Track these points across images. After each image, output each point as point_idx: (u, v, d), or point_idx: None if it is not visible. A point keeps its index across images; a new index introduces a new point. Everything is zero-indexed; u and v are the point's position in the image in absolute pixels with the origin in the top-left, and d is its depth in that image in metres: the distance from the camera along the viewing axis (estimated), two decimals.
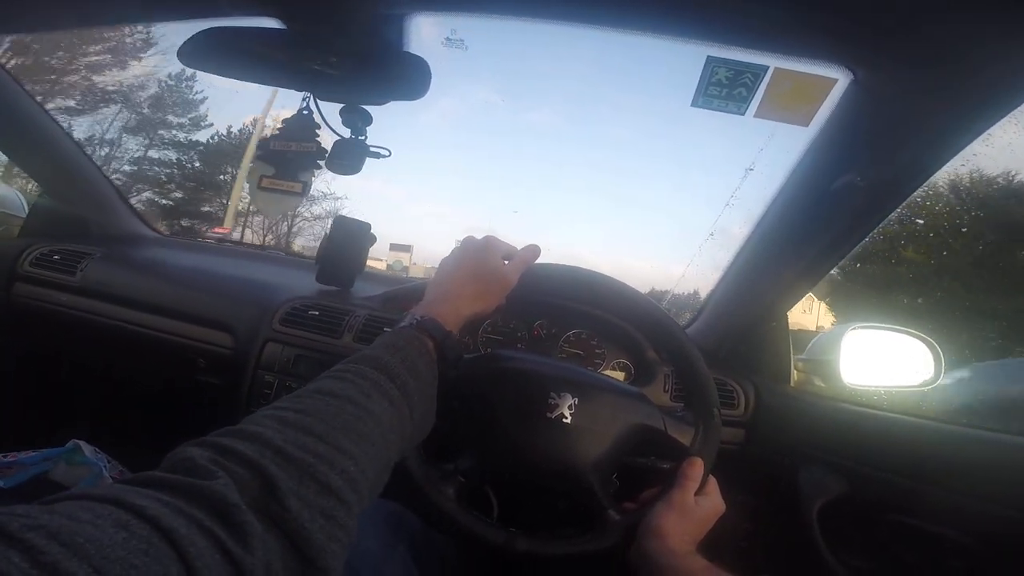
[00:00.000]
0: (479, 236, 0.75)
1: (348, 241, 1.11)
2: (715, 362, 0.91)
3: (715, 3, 0.54)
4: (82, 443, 1.10)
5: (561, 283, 0.82)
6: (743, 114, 0.64)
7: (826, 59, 0.59)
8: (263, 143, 0.78)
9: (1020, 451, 0.76)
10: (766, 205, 0.89)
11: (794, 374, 1.07)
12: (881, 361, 0.99)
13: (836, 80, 0.62)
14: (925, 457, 0.81)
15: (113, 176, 1.36)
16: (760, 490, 1.01)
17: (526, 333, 1.05)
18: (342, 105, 0.75)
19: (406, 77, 0.69)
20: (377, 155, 0.79)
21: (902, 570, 0.80)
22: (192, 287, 1.14)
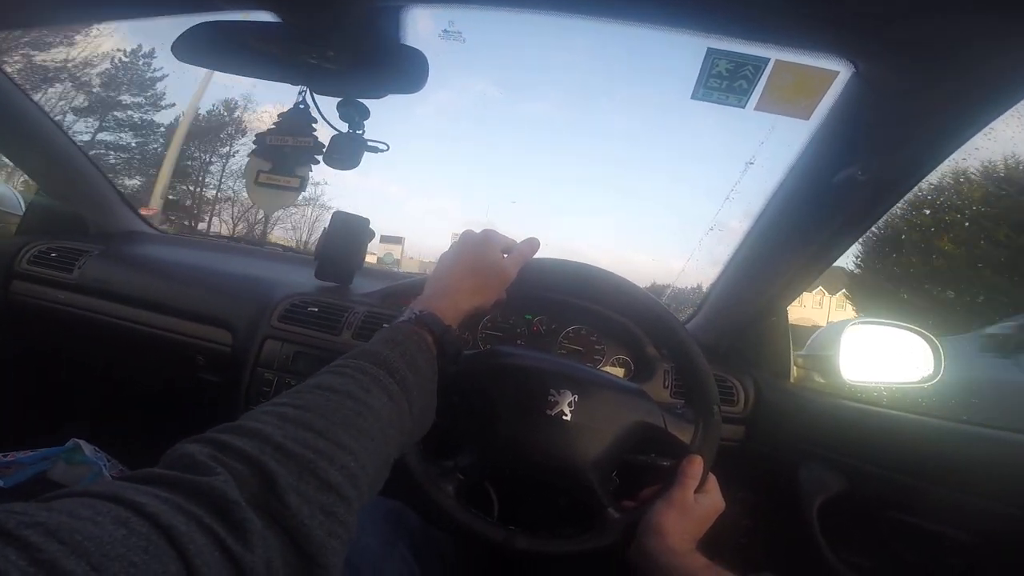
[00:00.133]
0: (477, 230, 0.74)
1: (347, 237, 1.11)
2: (715, 358, 0.91)
3: None
4: (81, 442, 1.10)
5: (560, 278, 0.82)
6: (743, 107, 0.64)
7: (827, 51, 0.59)
8: (259, 138, 0.78)
9: (1021, 448, 0.75)
10: (766, 199, 0.89)
11: (794, 370, 1.07)
12: (881, 357, 0.98)
13: (837, 73, 0.61)
14: (925, 454, 0.80)
15: None
16: (760, 487, 1.01)
17: (525, 329, 1.04)
18: (339, 99, 0.75)
19: (403, 70, 0.68)
20: (375, 149, 0.79)
21: (902, 568, 0.80)
22: (191, 284, 1.13)
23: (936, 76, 0.57)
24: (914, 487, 0.78)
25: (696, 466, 0.71)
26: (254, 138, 0.78)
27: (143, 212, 1.43)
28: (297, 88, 0.75)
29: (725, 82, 0.62)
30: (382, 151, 0.79)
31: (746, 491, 1.01)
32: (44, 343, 1.30)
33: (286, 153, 0.77)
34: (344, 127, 0.77)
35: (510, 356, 0.77)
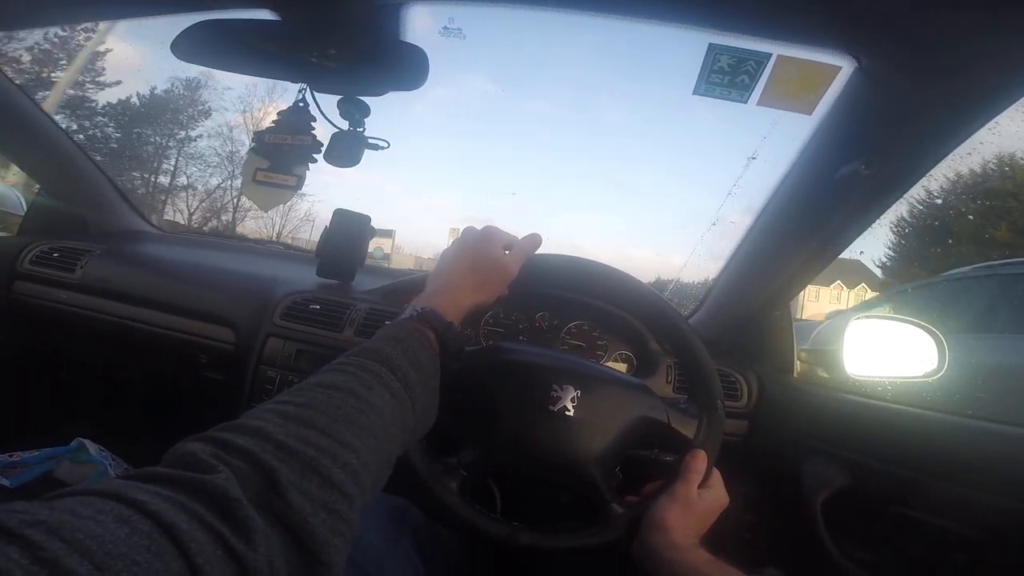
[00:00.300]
0: (477, 226, 0.74)
1: (348, 234, 1.11)
2: (718, 353, 0.91)
3: None
4: (86, 441, 1.10)
5: (562, 274, 0.82)
6: (745, 102, 0.64)
7: (830, 46, 0.59)
8: (258, 136, 0.78)
9: None
10: (769, 194, 0.88)
11: (797, 365, 1.06)
12: (885, 351, 0.98)
13: (840, 68, 0.61)
14: (930, 449, 0.80)
15: None
16: (763, 482, 1.01)
17: (528, 325, 1.04)
18: (339, 97, 0.75)
19: (404, 67, 0.68)
20: (376, 147, 0.78)
21: (906, 563, 0.80)
22: (193, 282, 1.13)
23: (939, 70, 0.57)
24: (918, 482, 0.78)
25: (700, 461, 0.71)
26: (253, 136, 0.78)
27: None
28: (297, 86, 0.75)
29: (727, 77, 0.62)
30: (383, 148, 0.79)
31: (749, 486, 1.01)
32: (47, 343, 1.30)
33: (284, 151, 0.77)
34: (344, 125, 0.77)
35: (512, 352, 0.77)
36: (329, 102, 0.76)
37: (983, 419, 0.80)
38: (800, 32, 0.58)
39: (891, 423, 0.87)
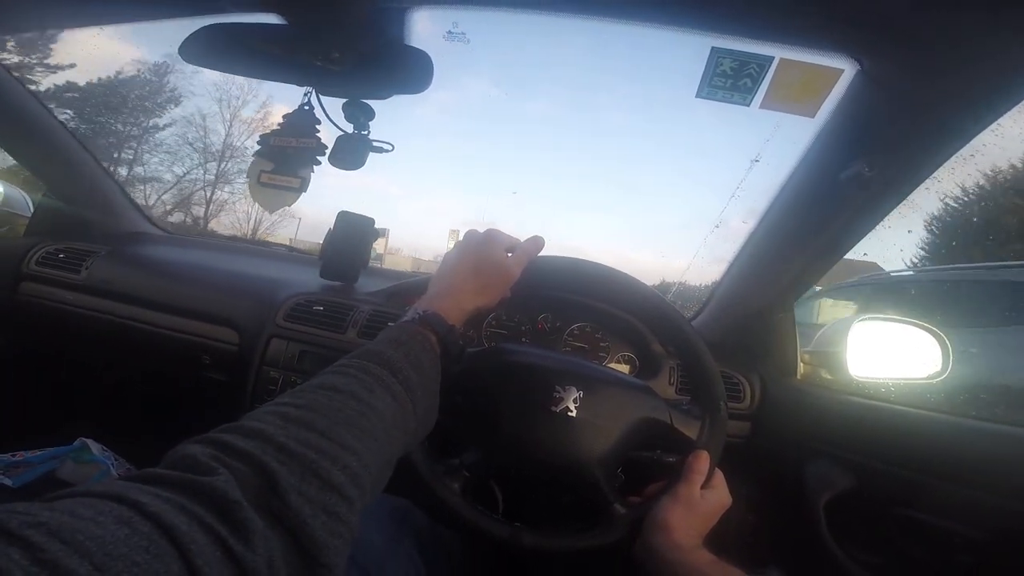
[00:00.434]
0: (478, 229, 0.75)
1: (351, 236, 1.11)
2: (721, 355, 0.90)
3: None
4: (89, 441, 1.11)
5: (565, 276, 0.82)
6: (748, 105, 0.64)
7: (832, 49, 0.59)
8: (264, 139, 0.78)
9: None
10: (772, 196, 0.88)
11: (800, 366, 1.06)
12: (888, 353, 0.98)
13: (842, 71, 0.61)
14: (933, 450, 0.80)
15: None
16: (766, 484, 1.01)
17: (530, 327, 1.04)
18: (344, 100, 0.75)
19: (408, 71, 0.68)
20: (380, 149, 0.79)
21: (910, 564, 0.80)
22: (197, 284, 1.14)
23: (941, 72, 0.57)
24: (922, 483, 0.78)
25: (702, 462, 0.71)
26: (258, 138, 0.79)
27: None
28: (302, 89, 0.75)
29: (730, 81, 0.62)
30: (387, 151, 0.79)
31: (752, 487, 1.01)
32: (52, 343, 1.31)
33: (289, 154, 0.77)
34: (349, 128, 0.77)
35: (515, 353, 0.77)
36: (334, 105, 0.76)
37: (988, 420, 0.80)
38: (802, 35, 0.58)
39: (895, 425, 0.87)
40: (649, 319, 0.95)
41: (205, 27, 0.68)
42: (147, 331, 1.11)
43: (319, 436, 0.40)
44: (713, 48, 0.60)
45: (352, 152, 0.77)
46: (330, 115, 0.76)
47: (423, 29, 0.66)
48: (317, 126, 0.77)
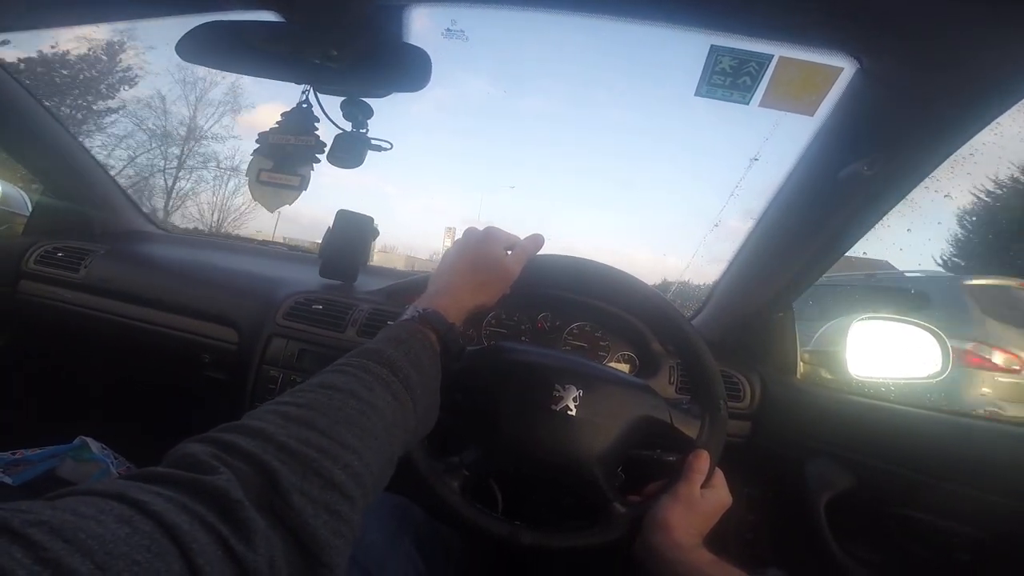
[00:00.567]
0: (477, 227, 0.74)
1: (351, 235, 1.11)
2: (721, 354, 0.90)
3: None
4: (89, 439, 1.11)
5: (565, 274, 0.82)
6: (747, 104, 0.64)
7: (831, 47, 0.59)
8: (262, 137, 0.78)
9: None
10: (772, 195, 0.88)
11: (800, 366, 1.06)
12: (888, 353, 0.98)
13: (842, 69, 0.61)
14: (933, 450, 0.80)
15: None
16: (766, 483, 1.01)
17: (530, 325, 1.04)
18: (343, 98, 0.75)
19: (406, 68, 0.68)
20: (379, 148, 0.79)
21: (910, 563, 0.80)
22: (196, 283, 1.14)
23: (940, 70, 0.57)
24: (922, 483, 0.78)
25: (702, 461, 0.71)
26: (257, 137, 0.78)
27: None
28: (299, 87, 0.75)
29: (729, 79, 0.62)
30: (386, 150, 0.79)
31: (752, 486, 1.01)
32: (52, 342, 1.31)
33: (288, 152, 0.77)
34: (348, 126, 0.77)
35: (514, 352, 0.77)
36: (332, 103, 0.76)
37: (987, 420, 0.80)
38: (802, 33, 0.58)
39: (895, 424, 0.87)
40: (649, 318, 0.94)
41: (202, 25, 0.67)
42: (146, 330, 1.11)
43: (320, 435, 0.40)
44: (712, 46, 0.60)
45: (351, 150, 0.77)
46: (328, 113, 0.76)
47: (421, 26, 0.66)
48: (316, 124, 0.76)
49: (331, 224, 1.12)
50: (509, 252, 0.73)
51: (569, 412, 0.70)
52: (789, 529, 0.97)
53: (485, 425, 0.72)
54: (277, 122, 0.77)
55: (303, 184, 0.78)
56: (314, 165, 0.78)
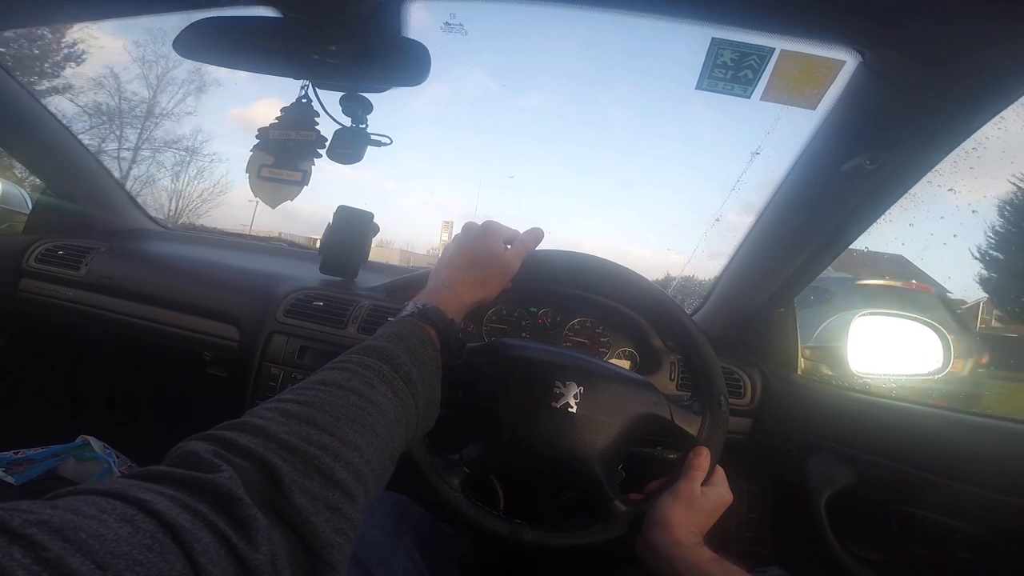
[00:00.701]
0: (475, 221, 0.74)
1: (351, 231, 1.11)
2: (722, 350, 0.90)
3: None
4: (91, 438, 1.11)
5: (565, 270, 0.81)
6: (749, 97, 0.63)
7: (833, 40, 0.58)
8: (262, 132, 0.77)
9: None
10: (773, 189, 0.88)
11: (801, 362, 1.06)
12: (890, 349, 0.98)
13: (844, 62, 0.61)
14: (935, 447, 0.80)
15: None
16: (767, 480, 1.01)
17: (530, 321, 1.04)
18: (342, 93, 0.75)
19: (405, 63, 0.68)
20: (378, 143, 0.78)
21: (911, 561, 0.79)
22: (197, 280, 1.14)
23: (944, 64, 0.57)
24: (923, 480, 0.78)
25: (703, 458, 0.71)
26: (257, 132, 0.78)
27: None
28: (300, 82, 0.75)
29: (730, 72, 0.61)
30: (385, 145, 0.78)
31: (753, 484, 1.01)
32: (53, 340, 1.31)
33: (289, 147, 0.77)
34: (347, 121, 0.77)
35: (515, 348, 0.76)
36: (331, 99, 0.75)
37: (988, 416, 0.80)
38: (803, 26, 0.57)
39: (896, 420, 0.86)
40: (650, 313, 0.94)
41: (200, 21, 0.67)
42: (147, 327, 1.11)
43: (321, 432, 0.40)
44: (713, 39, 0.59)
45: (351, 146, 0.77)
46: (327, 109, 0.76)
47: (420, 20, 0.66)
48: (316, 118, 0.76)
49: (331, 220, 1.11)
50: (508, 246, 0.73)
51: (570, 409, 0.70)
52: (790, 526, 0.97)
53: (486, 422, 0.72)
54: (277, 117, 0.77)
55: (304, 179, 0.78)
56: (315, 160, 0.78)
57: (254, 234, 1.74)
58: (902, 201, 0.77)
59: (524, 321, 1.04)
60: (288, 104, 0.76)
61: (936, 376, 0.95)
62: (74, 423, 1.20)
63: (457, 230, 0.75)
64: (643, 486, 0.75)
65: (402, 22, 0.65)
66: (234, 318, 1.06)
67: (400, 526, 0.68)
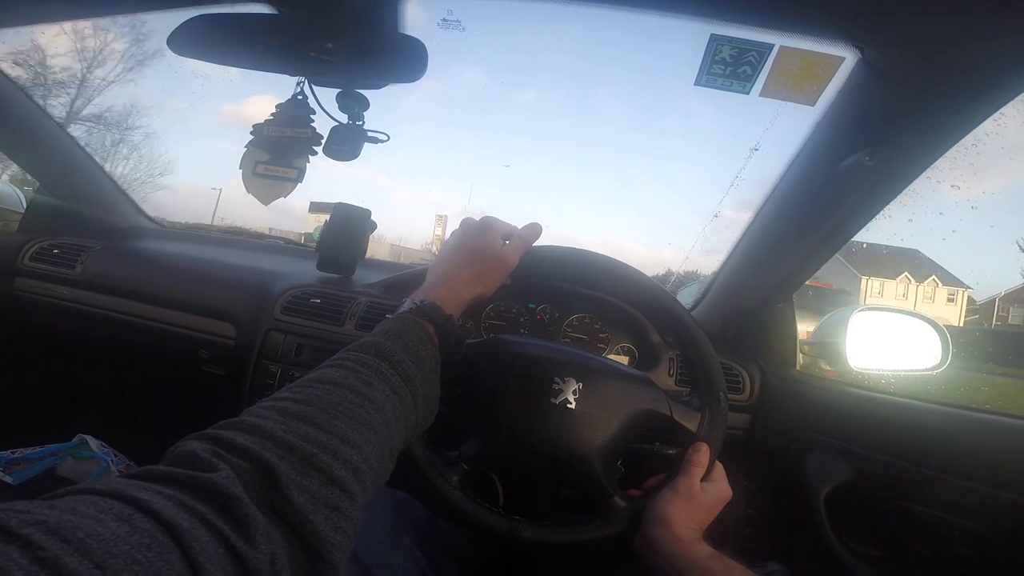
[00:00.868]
0: (472, 217, 0.74)
1: (348, 228, 1.11)
2: (721, 346, 0.90)
3: None
4: (88, 437, 1.10)
5: (563, 265, 0.81)
6: (747, 93, 0.63)
7: (832, 37, 0.58)
8: (257, 128, 0.77)
9: None
10: (772, 186, 0.88)
11: (800, 357, 1.06)
12: (888, 344, 0.98)
13: (843, 59, 0.60)
14: (934, 442, 0.80)
15: None
16: (766, 476, 1.01)
17: (529, 317, 1.04)
18: (338, 90, 0.74)
19: (402, 60, 0.68)
20: (375, 140, 0.78)
21: (910, 557, 0.80)
22: (193, 278, 1.13)
23: (943, 61, 0.56)
24: (922, 476, 0.78)
25: (702, 454, 0.71)
26: (251, 129, 0.78)
27: None
28: (293, 79, 0.74)
29: (729, 68, 0.61)
30: (382, 142, 0.78)
31: (752, 480, 1.01)
32: (49, 339, 1.30)
33: (284, 144, 0.76)
34: (344, 118, 0.76)
35: (514, 344, 0.76)
36: (327, 95, 0.75)
37: (987, 412, 0.80)
38: (803, 23, 0.57)
39: (895, 416, 0.86)
40: (648, 309, 0.94)
41: (195, 18, 0.67)
42: (144, 325, 1.10)
43: (319, 430, 0.40)
44: (712, 35, 0.59)
45: (347, 143, 0.77)
46: (324, 105, 0.75)
47: (417, 17, 0.66)
48: (312, 116, 0.76)
49: (328, 217, 1.11)
50: (507, 242, 0.73)
51: (569, 405, 0.69)
52: (789, 522, 0.97)
53: (484, 418, 0.72)
54: (272, 114, 0.77)
55: (300, 176, 0.77)
56: (310, 157, 0.77)
57: (246, 229, 1.72)
58: (901, 197, 0.77)
59: (523, 317, 1.04)
60: (283, 101, 0.76)
61: (935, 372, 0.95)
62: (71, 422, 1.19)
63: (452, 225, 0.75)
64: (642, 482, 0.75)
65: (399, 18, 0.65)
66: (231, 316, 1.05)
67: (400, 523, 0.68)
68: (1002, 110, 0.60)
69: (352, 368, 0.48)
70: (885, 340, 0.98)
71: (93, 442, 1.10)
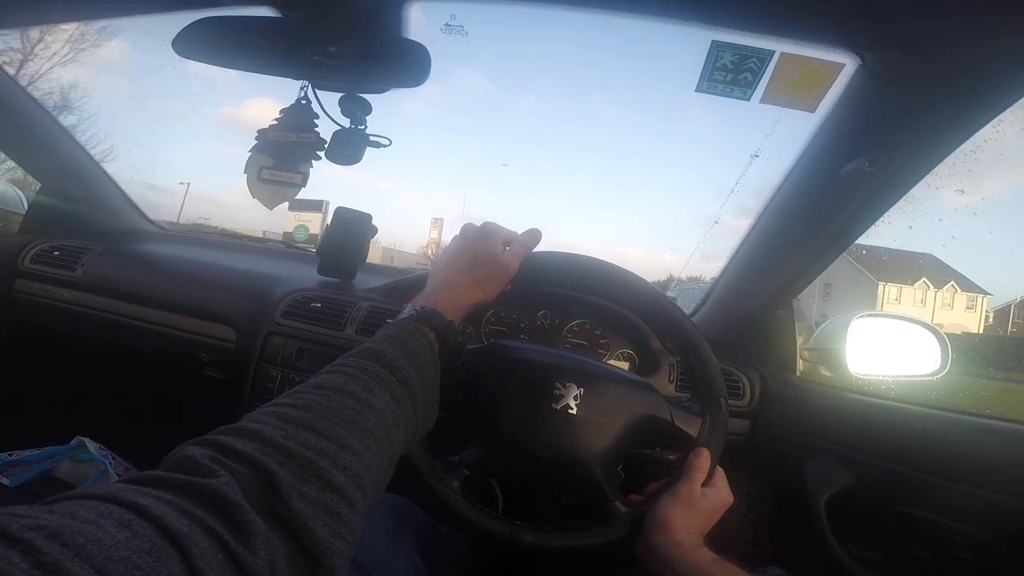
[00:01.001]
0: (472, 223, 0.74)
1: (349, 233, 1.11)
2: (721, 351, 0.90)
3: None
4: (86, 440, 1.10)
5: (564, 271, 0.81)
6: (748, 100, 0.63)
7: (833, 43, 0.58)
8: (262, 133, 0.77)
9: None
10: (772, 192, 0.88)
11: (800, 363, 1.06)
12: (888, 350, 0.98)
13: (843, 65, 0.61)
14: (934, 448, 0.80)
15: None
16: (767, 481, 1.01)
17: (529, 323, 1.04)
18: (341, 95, 0.74)
19: (405, 64, 0.68)
20: (377, 144, 0.78)
21: (911, 562, 0.79)
22: (193, 281, 1.13)
23: (943, 67, 0.57)
24: (923, 481, 0.78)
25: (703, 459, 0.71)
26: (256, 134, 0.78)
27: None
28: (299, 84, 0.75)
29: (730, 75, 0.61)
30: (384, 146, 0.78)
31: (753, 485, 1.01)
32: (48, 341, 1.30)
33: (288, 149, 0.77)
34: (346, 122, 0.77)
35: (514, 350, 0.76)
36: (329, 100, 0.75)
37: (988, 417, 0.80)
38: (803, 29, 0.57)
39: (895, 422, 0.86)
40: (649, 315, 0.94)
41: (199, 21, 0.67)
42: (144, 329, 1.10)
43: (319, 436, 0.40)
44: (713, 41, 0.59)
45: (350, 147, 0.77)
46: (327, 110, 0.76)
47: (420, 21, 0.66)
48: (315, 120, 0.76)
49: (329, 222, 1.11)
50: (507, 248, 0.73)
51: (570, 411, 0.69)
52: (790, 527, 0.97)
53: (485, 424, 0.72)
54: (276, 119, 0.77)
55: (304, 181, 0.78)
56: (313, 162, 0.78)
57: (245, 233, 1.72)
58: (900, 203, 0.77)
59: (523, 323, 1.04)
60: (282, 104, 0.76)
61: (935, 377, 0.95)
62: (70, 424, 1.18)
63: (451, 228, 0.75)
64: (643, 487, 0.75)
65: (402, 23, 0.65)
66: (231, 319, 1.05)
67: (401, 528, 0.68)
68: (1000, 116, 0.60)
69: (352, 374, 0.48)
70: (885, 346, 0.98)
71: (91, 445, 1.09)
